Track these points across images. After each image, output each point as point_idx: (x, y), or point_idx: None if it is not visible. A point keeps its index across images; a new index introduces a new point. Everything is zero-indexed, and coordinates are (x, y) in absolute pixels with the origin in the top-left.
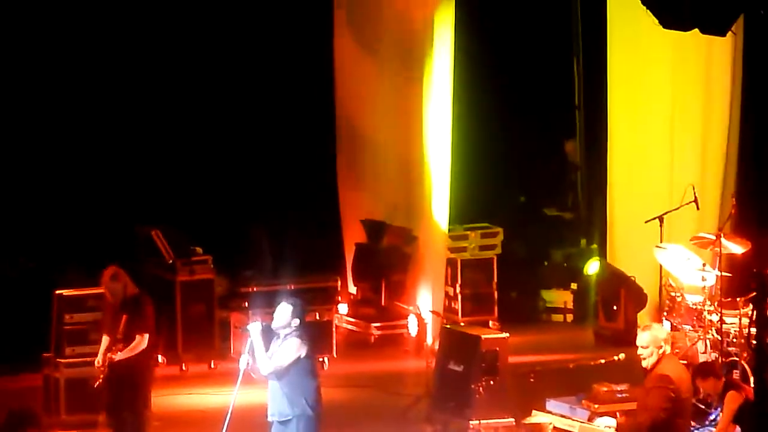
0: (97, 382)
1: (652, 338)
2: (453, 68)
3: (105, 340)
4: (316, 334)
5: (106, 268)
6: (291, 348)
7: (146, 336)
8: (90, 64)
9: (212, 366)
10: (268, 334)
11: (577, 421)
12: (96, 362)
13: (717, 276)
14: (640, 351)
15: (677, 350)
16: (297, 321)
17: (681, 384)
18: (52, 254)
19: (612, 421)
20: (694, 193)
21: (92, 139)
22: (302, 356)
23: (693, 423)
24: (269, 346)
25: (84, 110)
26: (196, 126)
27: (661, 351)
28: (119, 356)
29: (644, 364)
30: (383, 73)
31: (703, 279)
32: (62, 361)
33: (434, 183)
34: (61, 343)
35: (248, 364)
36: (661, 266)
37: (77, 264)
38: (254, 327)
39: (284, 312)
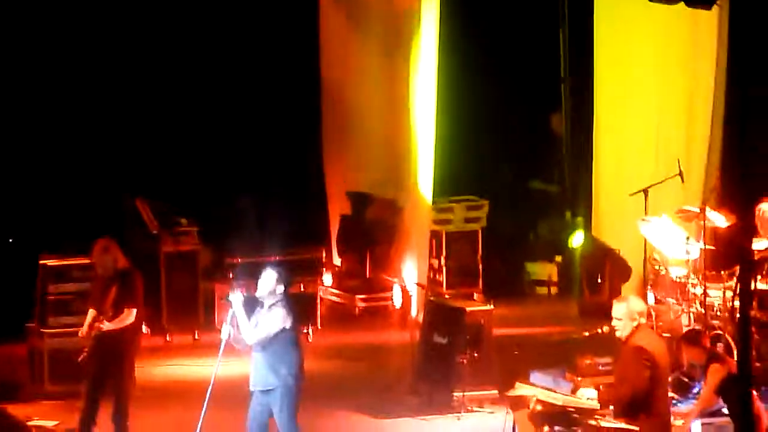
0: (82, 356)
1: (626, 310)
2: (438, 41)
3: (90, 313)
4: (300, 306)
5: (98, 241)
6: (276, 317)
7: (134, 310)
8: (78, 34)
9: (196, 337)
10: (251, 306)
11: (560, 393)
12: (81, 332)
13: (701, 249)
14: (614, 322)
15: (661, 323)
16: (282, 288)
17: (656, 355)
18: (36, 224)
19: (594, 393)
20: (679, 167)
21: (78, 108)
22: (287, 327)
23: (676, 396)
24: (252, 317)
25: (70, 81)
26: (182, 97)
27: (635, 323)
28: (106, 326)
29: (618, 334)
30: (369, 46)
31: (687, 252)
32: (46, 331)
33: (419, 155)
34: (46, 313)
35: (230, 334)
36: (645, 239)
37: (62, 234)
38: (236, 297)
39: (269, 279)
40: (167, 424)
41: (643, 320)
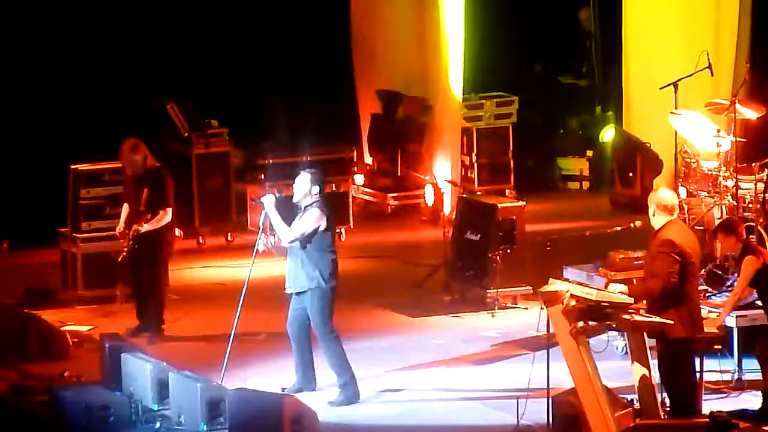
0: (121, 256)
1: (654, 198)
2: None
3: (125, 209)
4: (332, 206)
5: (125, 140)
6: (312, 217)
7: (170, 210)
8: None
9: (229, 239)
10: (285, 207)
11: (594, 288)
12: (117, 230)
13: (732, 142)
14: (649, 212)
15: (693, 216)
16: (317, 189)
17: (686, 248)
18: (68, 129)
19: (624, 288)
20: (708, 59)
21: (105, 13)
22: (321, 227)
23: (710, 288)
24: (287, 219)
25: None
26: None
27: (666, 216)
28: (145, 228)
29: (652, 224)
30: None
31: (718, 145)
32: (79, 236)
33: (449, 52)
34: (78, 217)
35: (265, 245)
36: (676, 132)
37: (94, 138)
38: (268, 199)
39: (304, 181)
40: (202, 326)
41: (675, 214)
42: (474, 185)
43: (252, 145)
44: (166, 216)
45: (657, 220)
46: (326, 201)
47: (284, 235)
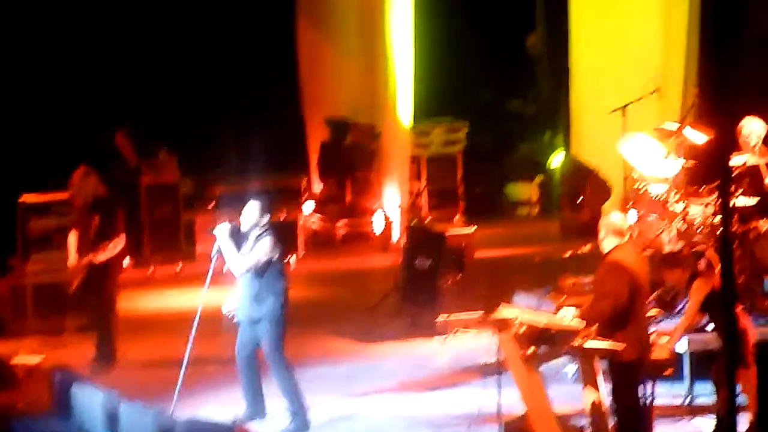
0: (72, 287)
1: (606, 225)
2: None
3: (73, 238)
4: (282, 234)
5: (77, 169)
6: (265, 247)
7: (122, 237)
8: None
9: (179, 268)
10: (237, 237)
11: (544, 313)
12: (70, 262)
13: (681, 165)
14: (599, 236)
15: (642, 241)
16: (266, 218)
17: (634, 271)
18: (15, 160)
19: (575, 312)
20: (657, 84)
21: (54, 41)
22: (274, 256)
23: (661, 313)
24: (239, 249)
25: (46, 13)
26: (159, 25)
27: (615, 237)
28: (100, 258)
29: (600, 248)
30: None
31: (667, 169)
32: (28, 267)
33: (398, 79)
34: (27, 249)
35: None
36: (624, 157)
37: (42, 169)
38: (221, 229)
39: (252, 210)
40: (153, 356)
41: (625, 238)
42: (423, 212)
43: (201, 175)
44: (119, 244)
45: (607, 243)
46: (274, 229)
47: (237, 265)
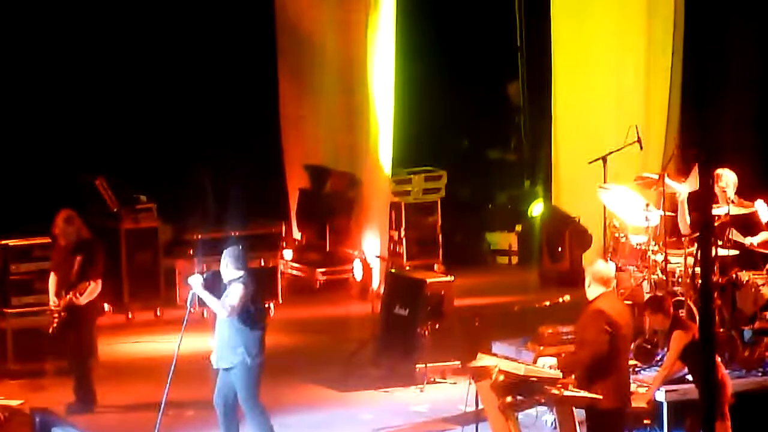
0: (52, 327)
1: (590, 273)
2: (396, 14)
3: (53, 281)
4: (261, 280)
5: (60, 211)
6: (236, 293)
7: (99, 281)
8: (27, 14)
9: (158, 314)
10: (217, 283)
11: (522, 363)
12: (52, 303)
13: (661, 216)
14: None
15: (622, 291)
16: (240, 267)
17: (617, 320)
18: None
19: (554, 361)
20: (638, 134)
21: (30, 86)
22: (246, 298)
23: (640, 363)
24: (219, 295)
25: (23, 58)
26: (136, 74)
27: (599, 285)
28: (81, 299)
29: (586, 295)
30: (325, 17)
31: (647, 219)
32: (9, 311)
33: (378, 127)
34: (8, 293)
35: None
36: (605, 207)
37: (21, 214)
38: (194, 280)
39: (226, 261)
40: (131, 401)
41: (611, 286)
42: (402, 260)
43: (180, 221)
44: (98, 287)
45: (592, 291)
46: (252, 276)
47: (218, 311)
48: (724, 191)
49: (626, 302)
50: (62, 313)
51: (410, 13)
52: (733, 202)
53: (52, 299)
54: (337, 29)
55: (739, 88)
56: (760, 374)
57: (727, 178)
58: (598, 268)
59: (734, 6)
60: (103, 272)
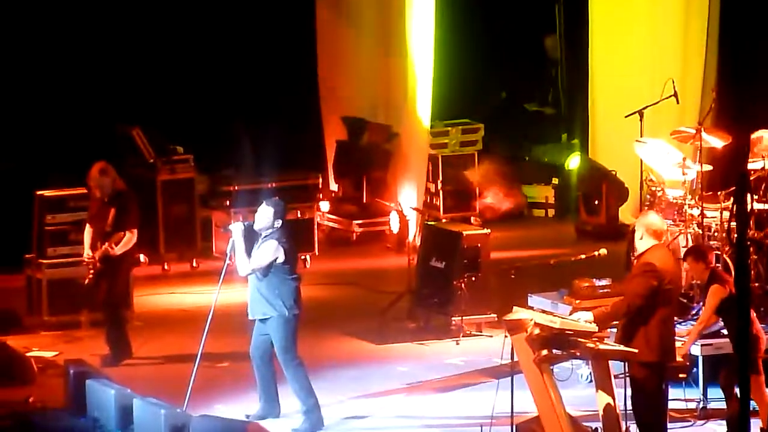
0: (88, 278)
1: (641, 226)
2: None
3: (88, 232)
4: (297, 232)
5: (95, 163)
6: (268, 250)
7: (136, 231)
8: None
9: (194, 265)
10: (251, 235)
11: (558, 316)
12: (86, 255)
13: (697, 170)
14: (636, 235)
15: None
16: (279, 221)
17: (666, 273)
18: (32, 154)
19: (590, 315)
20: (674, 87)
21: (70, 38)
22: (279, 258)
23: (676, 317)
24: (251, 247)
25: (62, 8)
26: (175, 25)
27: (650, 237)
28: (116, 250)
29: (636, 247)
30: None
31: (684, 173)
32: (44, 261)
33: (416, 80)
34: (43, 243)
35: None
36: (641, 161)
37: (58, 164)
38: (236, 227)
39: (266, 214)
40: (167, 352)
41: (662, 240)
42: (439, 212)
43: (217, 172)
44: (133, 237)
45: (642, 244)
46: (288, 229)
47: (242, 266)
48: (765, 152)
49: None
50: (97, 264)
51: None
52: None
53: (87, 251)
54: None
55: None
56: None
57: (766, 140)
58: (651, 220)
59: None
60: (138, 223)
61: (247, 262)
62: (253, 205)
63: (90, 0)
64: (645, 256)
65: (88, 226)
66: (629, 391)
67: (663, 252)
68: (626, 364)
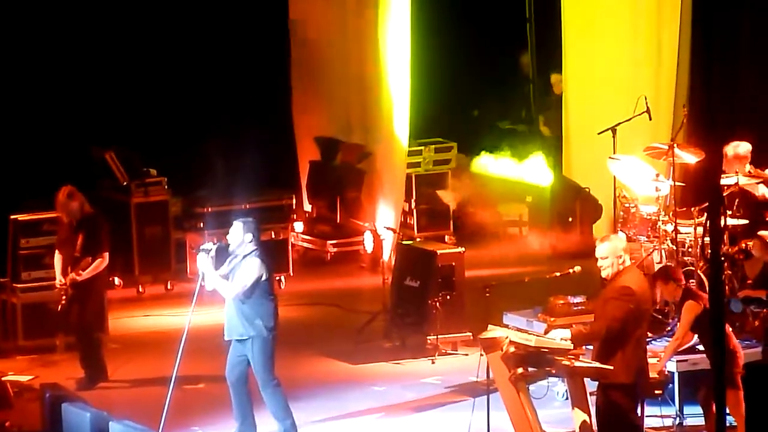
0: (61, 304)
1: (611, 248)
2: None
3: (58, 258)
4: (272, 253)
5: (61, 188)
6: (252, 268)
7: (107, 255)
8: None
9: (169, 287)
10: (224, 255)
11: (533, 334)
12: (58, 282)
13: (671, 186)
14: (600, 262)
15: (633, 261)
16: (250, 236)
17: (642, 295)
18: (6, 178)
19: (567, 333)
20: (647, 104)
21: (43, 62)
22: (262, 277)
23: (651, 334)
24: (224, 267)
25: (35, 31)
26: (147, 45)
27: (621, 261)
28: (84, 275)
29: (604, 274)
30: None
31: (657, 189)
32: (18, 286)
33: (392, 99)
34: (17, 268)
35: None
36: (615, 177)
37: (32, 188)
38: (202, 259)
39: (237, 231)
40: (143, 375)
41: (627, 258)
42: (413, 231)
43: (191, 194)
44: (103, 262)
45: (613, 266)
46: (263, 248)
47: (226, 291)
48: (742, 164)
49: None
50: (69, 290)
51: None
52: (749, 173)
53: (59, 277)
54: (352, 6)
55: (751, 57)
56: None
57: (745, 148)
58: (619, 240)
59: None
60: (108, 247)
61: (227, 285)
62: (227, 227)
63: (62, 24)
64: (620, 278)
65: (57, 252)
66: (600, 413)
67: (637, 274)
68: (599, 385)
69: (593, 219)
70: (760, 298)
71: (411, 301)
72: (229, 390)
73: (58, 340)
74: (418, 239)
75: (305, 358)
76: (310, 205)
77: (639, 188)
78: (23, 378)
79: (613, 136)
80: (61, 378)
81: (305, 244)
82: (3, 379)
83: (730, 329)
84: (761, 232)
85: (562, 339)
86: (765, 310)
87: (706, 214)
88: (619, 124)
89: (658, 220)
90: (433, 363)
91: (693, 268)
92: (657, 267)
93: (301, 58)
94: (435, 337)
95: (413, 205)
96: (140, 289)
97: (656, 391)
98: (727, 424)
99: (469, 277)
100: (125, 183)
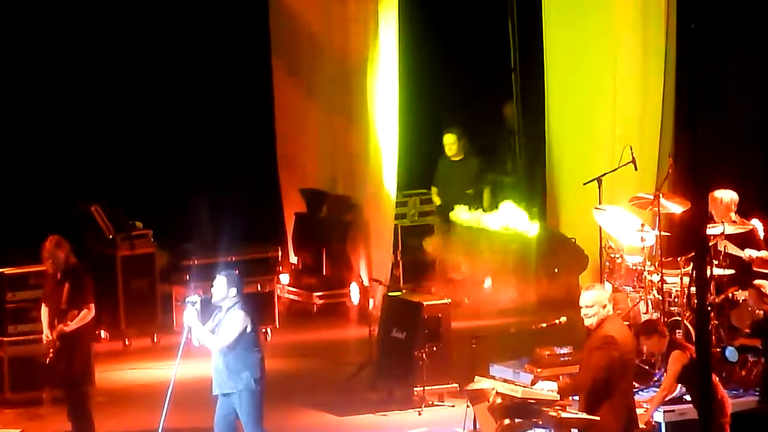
0: (48, 357)
1: (596, 297)
2: (398, 40)
3: (45, 311)
4: (258, 305)
5: (48, 237)
6: (236, 320)
7: (92, 306)
8: (22, 41)
9: (155, 340)
10: (208, 308)
11: (520, 385)
12: (45, 336)
13: (656, 236)
14: (584, 311)
15: (619, 311)
16: (234, 290)
17: (625, 345)
18: None
19: (554, 386)
20: (632, 154)
21: (28, 116)
22: (248, 329)
23: (637, 384)
24: (210, 322)
25: (19, 87)
26: (133, 97)
27: (605, 311)
28: (71, 327)
29: (587, 323)
30: (324, 43)
31: (643, 239)
32: (5, 339)
33: (380, 152)
34: (4, 321)
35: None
36: (600, 228)
37: (17, 241)
38: (189, 314)
39: (221, 284)
40: (129, 429)
41: (611, 308)
42: (399, 283)
43: (177, 246)
44: (90, 313)
45: (597, 316)
46: (248, 300)
47: (211, 344)
48: (728, 212)
49: (624, 323)
50: (57, 343)
51: (408, 38)
52: (735, 222)
53: (46, 331)
54: (337, 55)
55: (737, 105)
56: (757, 394)
57: (730, 197)
58: (603, 292)
59: (730, 31)
60: (94, 298)
61: (214, 338)
62: (213, 279)
63: (46, 77)
64: (602, 328)
65: (43, 305)
66: None
67: (619, 323)
68: None
69: (579, 269)
70: (756, 347)
71: (397, 353)
72: None
73: (44, 394)
74: (404, 290)
75: (292, 409)
76: (296, 257)
77: (625, 238)
78: (11, 431)
79: (599, 187)
80: (48, 431)
81: (291, 296)
82: None
83: (717, 379)
84: (757, 281)
85: (549, 391)
86: (761, 358)
87: (692, 263)
88: (605, 174)
89: (644, 270)
90: (419, 414)
91: (680, 318)
92: (643, 317)
93: (285, 110)
94: (421, 388)
95: (399, 256)
96: (126, 342)
97: None
98: None
99: (456, 328)
100: (111, 236)
